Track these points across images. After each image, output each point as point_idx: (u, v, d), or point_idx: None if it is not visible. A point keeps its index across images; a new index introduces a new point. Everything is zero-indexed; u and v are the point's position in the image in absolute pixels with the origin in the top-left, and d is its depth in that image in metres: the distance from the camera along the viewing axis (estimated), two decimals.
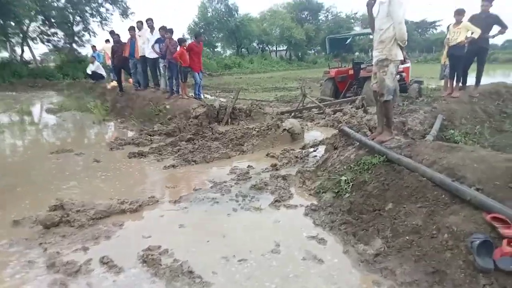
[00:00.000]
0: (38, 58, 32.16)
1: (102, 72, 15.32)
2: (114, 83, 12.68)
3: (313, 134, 7.43)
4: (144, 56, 10.31)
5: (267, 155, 5.73)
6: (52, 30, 27.24)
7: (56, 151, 6.28)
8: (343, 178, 3.83)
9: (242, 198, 4.01)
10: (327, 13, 55.61)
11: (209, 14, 41.49)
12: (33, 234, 3.27)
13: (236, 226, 3.38)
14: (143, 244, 3.02)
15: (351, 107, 8.74)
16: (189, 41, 9.74)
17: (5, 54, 27.53)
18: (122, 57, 10.95)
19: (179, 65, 9.08)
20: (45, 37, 27.01)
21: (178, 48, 9.10)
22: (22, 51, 26.76)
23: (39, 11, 23.58)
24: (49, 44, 27.66)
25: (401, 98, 12.02)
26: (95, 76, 15.59)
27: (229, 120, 8.58)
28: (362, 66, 11.77)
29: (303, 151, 5.62)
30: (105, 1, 27.64)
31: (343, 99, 9.66)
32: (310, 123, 8.47)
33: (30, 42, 28.01)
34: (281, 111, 9.75)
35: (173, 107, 8.95)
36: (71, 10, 26.59)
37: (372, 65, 10.81)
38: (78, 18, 27.27)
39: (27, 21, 24.48)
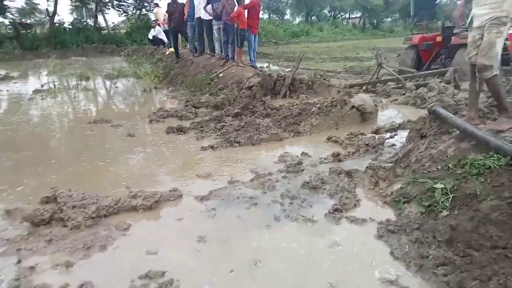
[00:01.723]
0: (111, 25, 33.39)
1: (163, 37, 14.82)
2: (172, 49, 12.08)
3: (389, 113, 6.02)
4: (200, 18, 9.42)
5: (328, 139, 4.56)
6: None
7: (94, 121, 5.74)
8: (439, 185, 2.58)
9: (289, 201, 2.96)
10: None
11: None
12: (19, 233, 2.59)
13: (275, 249, 2.37)
14: (143, 266, 2.17)
15: (440, 81, 7.04)
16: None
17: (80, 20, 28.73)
18: (180, 19, 10.19)
19: (236, 27, 8.04)
20: (116, 2, 27.53)
21: (236, 8, 8.03)
22: (96, 17, 27.67)
23: None
24: (120, 10, 28.18)
25: (502, 73, 9.81)
26: (156, 41, 15.21)
27: (288, 93, 7.46)
28: (454, 31, 9.66)
29: (376, 137, 4.33)
30: None
31: (428, 71, 7.91)
32: (385, 99, 6.99)
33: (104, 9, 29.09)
34: (350, 84, 8.34)
35: (227, 75, 8.01)
36: None
37: (467, 30, 8.81)
38: None
39: None
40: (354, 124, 5.24)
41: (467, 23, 3.45)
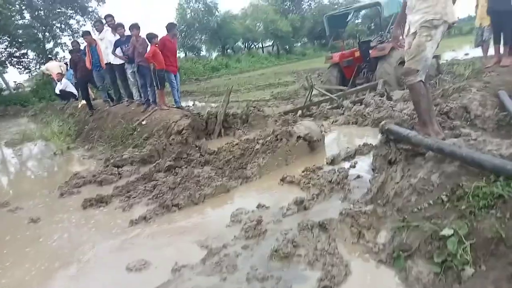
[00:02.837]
0: (13, 84, 30.25)
1: (72, 89, 13.39)
2: (84, 102, 10.80)
3: (335, 137, 5.63)
4: (110, 63, 8.46)
5: (282, 180, 3.91)
6: (22, 51, 25.28)
7: None
8: (447, 231, 2.02)
9: (260, 285, 2.19)
10: (310, 1, 53.81)
11: (188, 16, 39.55)
12: None
13: None
14: None
15: (374, 95, 6.92)
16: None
17: None
18: (86, 69, 9.10)
19: (153, 68, 7.24)
20: (14, 59, 24.99)
21: (149, 47, 7.27)
22: None
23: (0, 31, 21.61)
24: (20, 67, 25.60)
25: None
26: (65, 95, 13.70)
27: (222, 131, 6.77)
28: (371, 44, 9.94)
29: (336, 169, 3.77)
30: (75, 13, 25.68)
31: (360, 87, 7.84)
32: (325, 121, 6.64)
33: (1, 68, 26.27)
34: (284, 111, 7.94)
35: (151, 122, 7.10)
36: (39, 27, 24.55)
37: (382, 41, 9.00)
38: (47, 34, 25.22)
39: None
40: (303, 156, 4.69)
41: (404, 32, 3.15)
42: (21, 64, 25.52)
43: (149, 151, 5.54)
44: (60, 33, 25.78)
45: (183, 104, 14.74)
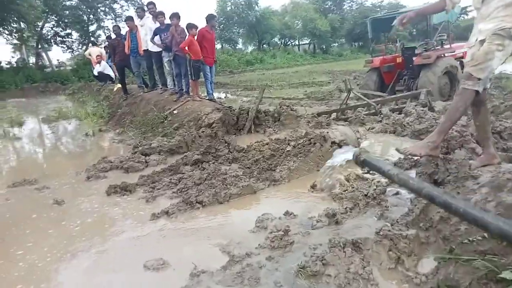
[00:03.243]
0: (56, 62, 31.45)
1: (110, 72, 13.64)
2: (120, 85, 10.95)
3: (371, 146, 5.31)
4: (148, 50, 8.48)
5: (312, 187, 3.69)
6: (67, 31, 26.18)
7: (13, 184, 4.49)
8: (509, 274, 1.75)
9: None
10: (352, 2, 52.52)
11: (228, 8, 39.57)
12: None
13: None
14: None
15: (415, 105, 6.52)
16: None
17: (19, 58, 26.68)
18: (124, 53, 9.19)
19: (188, 58, 7.17)
20: (59, 38, 25.92)
21: (187, 37, 7.20)
22: (37, 55, 25.84)
23: (48, 11, 22.39)
24: (64, 46, 26.54)
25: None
26: (102, 77, 13.99)
27: (253, 127, 6.61)
28: (416, 51, 9.45)
29: (373, 182, 3.51)
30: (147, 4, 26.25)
31: (401, 94, 7.44)
32: (361, 128, 6.32)
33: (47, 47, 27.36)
34: (317, 112, 7.66)
35: (182, 112, 7.04)
36: (84, 9, 25.29)
37: (428, 49, 8.50)
38: (91, 17, 25.94)
39: (38, 23, 23.41)
40: None
41: (470, 40, 2.79)
42: (65, 43, 26.42)
43: (178, 142, 5.46)
44: (104, 17, 26.45)
45: (215, 95, 14.81)
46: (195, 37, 7.29)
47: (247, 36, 43.68)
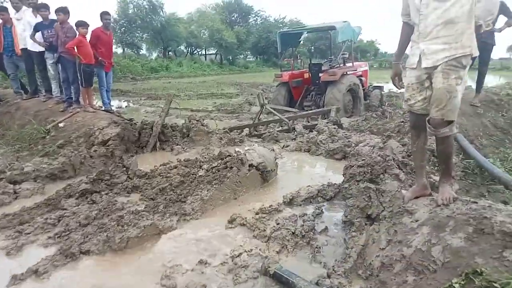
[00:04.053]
0: None
1: None
2: None
3: (288, 166, 5.01)
4: (27, 49, 7.03)
5: (230, 221, 3.14)
6: None
7: None
8: None
9: None
10: (257, 16, 54.34)
11: (130, 11, 37.26)
12: None
13: None
14: None
15: (327, 122, 6.50)
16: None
17: None
18: None
19: (78, 61, 6.06)
20: None
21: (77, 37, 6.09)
22: None
23: None
24: None
25: (364, 107, 10.31)
26: None
27: (158, 145, 5.84)
28: (322, 68, 9.71)
29: (297, 214, 3.10)
30: None
31: (312, 111, 7.41)
32: (275, 146, 6.03)
33: None
34: (229, 127, 7.21)
35: (70, 126, 5.89)
36: None
37: (333, 66, 8.79)
38: None
39: None
40: (254, 187, 3.98)
41: (406, 62, 2.58)
42: None
43: (62, 164, 4.40)
44: None
45: (114, 104, 13.35)
46: (88, 39, 6.25)
47: (152, 42, 41.72)
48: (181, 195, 3.51)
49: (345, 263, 2.29)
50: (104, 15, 6.45)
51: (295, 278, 2.11)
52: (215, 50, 48.20)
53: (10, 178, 4.02)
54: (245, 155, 4.01)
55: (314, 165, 5.10)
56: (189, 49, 47.11)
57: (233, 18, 51.48)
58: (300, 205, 3.37)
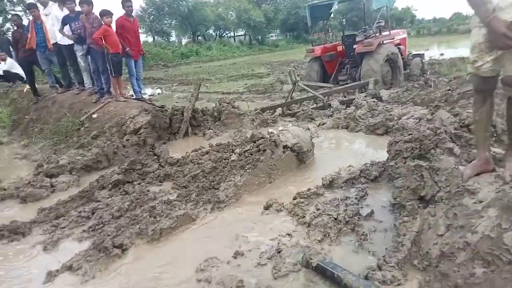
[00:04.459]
0: None
1: (18, 70, 11.65)
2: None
3: (325, 145, 4.72)
4: (58, 43, 7.10)
5: (266, 207, 2.95)
6: None
7: None
8: None
9: None
10: None
11: None
12: None
13: None
14: None
15: (365, 96, 6.08)
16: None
17: None
18: (30, 49, 7.65)
19: (106, 51, 6.01)
20: None
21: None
22: None
23: None
24: None
25: (404, 77, 9.64)
26: (9, 77, 11.96)
27: (190, 130, 5.73)
28: (357, 39, 9.14)
29: (339, 198, 2.84)
30: None
31: (348, 85, 6.98)
32: (310, 124, 5.73)
33: None
34: (261, 108, 6.97)
35: (102, 116, 5.91)
36: None
37: (368, 36, 8.20)
38: None
39: None
40: (289, 170, 3.75)
41: (471, 20, 2.16)
42: None
43: (96, 155, 4.40)
44: (11, 7, 23.19)
45: (148, 92, 13.49)
46: (113, 28, 6.18)
47: (180, 28, 41.85)
48: (213, 181, 3.35)
49: (397, 252, 2.02)
50: (125, 2, 6.32)
51: (341, 272, 1.88)
52: (244, 31, 47.59)
53: (47, 172, 4.05)
54: (279, 136, 3.77)
55: (353, 142, 4.77)
56: (218, 32, 46.79)
57: None
58: (342, 187, 3.10)
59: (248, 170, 3.37)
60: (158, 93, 13.06)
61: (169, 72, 22.34)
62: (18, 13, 18.63)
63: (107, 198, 3.30)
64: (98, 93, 6.63)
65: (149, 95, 12.16)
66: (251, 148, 3.69)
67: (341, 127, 5.34)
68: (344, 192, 2.98)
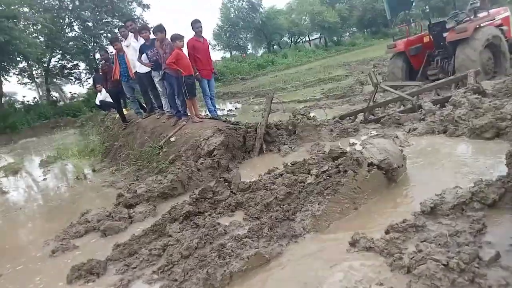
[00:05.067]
0: (69, 95, 31.44)
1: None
2: (126, 111, 10.02)
3: (419, 156, 4.00)
4: (137, 71, 7.49)
5: (352, 244, 2.46)
6: (73, 62, 25.89)
7: None
8: None
9: None
10: None
11: (232, 15, 38.71)
12: None
13: None
14: None
15: (464, 92, 5.13)
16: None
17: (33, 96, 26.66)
18: (116, 80, 8.24)
19: (179, 74, 6.09)
20: (66, 71, 25.69)
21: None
22: (48, 90, 25.73)
23: (51, 45, 22.16)
24: (72, 78, 26.33)
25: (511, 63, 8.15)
26: (104, 106, 13.20)
27: (264, 147, 5.45)
28: (447, 26, 8.00)
29: (446, 233, 2.22)
30: (120, 22, 25.80)
31: (442, 81, 6.03)
32: (399, 131, 4.99)
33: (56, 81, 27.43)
34: (340, 115, 6.41)
35: (180, 139, 5.97)
36: (87, 38, 24.94)
37: (460, 21, 7.03)
38: (95, 45, 25.58)
39: (44, 59, 23.25)
40: (378, 192, 3.18)
41: None
42: (72, 75, 26.19)
43: (171, 182, 4.34)
44: (108, 42, 26.03)
45: (225, 107, 13.72)
46: (185, 50, 6.25)
47: (255, 39, 42.69)
48: (288, 211, 2.96)
49: None
50: (194, 23, 6.37)
51: None
52: (319, 34, 46.65)
53: (125, 202, 4.09)
54: (362, 152, 3.24)
55: (455, 151, 3.97)
56: (292, 38, 46.62)
57: None
58: (448, 215, 2.45)
59: (327, 197, 2.91)
60: (236, 108, 13.18)
61: (247, 84, 22.72)
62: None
63: (178, 232, 3.12)
64: (175, 116, 6.77)
65: (227, 111, 12.33)
66: (330, 168, 3.22)
67: (437, 132, 4.53)
68: (452, 223, 2.33)
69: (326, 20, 40.09)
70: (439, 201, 2.58)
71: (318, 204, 2.89)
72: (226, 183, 3.63)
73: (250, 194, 3.44)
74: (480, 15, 8.15)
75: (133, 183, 5.05)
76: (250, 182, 3.65)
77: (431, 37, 8.54)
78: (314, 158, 3.92)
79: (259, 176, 3.80)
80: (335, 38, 45.96)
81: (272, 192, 3.24)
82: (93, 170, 6.89)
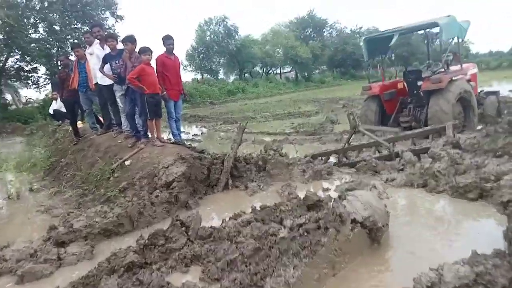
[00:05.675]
0: (24, 99, 29.43)
1: None
2: (81, 124, 9.13)
3: (401, 212, 3.64)
4: (97, 83, 6.80)
5: None
6: (33, 65, 24.27)
7: None
8: None
9: None
10: (331, 29, 52.87)
11: (207, 38, 38.75)
12: None
13: None
14: None
15: (443, 145, 4.94)
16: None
17: None
18: (73, 89, 7.45)
19: (143, 91, 5.51)
20: (24, 74, 23.98)
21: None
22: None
23: (10, 44, 20.68)
24: (29, 81, 24.61)
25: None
26: (59, 115, 12.20)
27: (230, 182, 4.92)
28: (423, 74, 8.05)
29: None
30: (90, 28, 24.78)
31: (419, 130, 5.86)
32: (375, 179, 4.66)
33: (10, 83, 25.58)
34: (312, 154, 6.04)
35: (136, 163, 5.30)
36: (52, 41, 23.58)
37: (435, 71, 7.03)
38: (59, 50, 24.22)
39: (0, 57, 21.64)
40: (359, 254, 2.74)
41: None
42: (30, 79, 24.50)
43: (117, 217, 3.67)
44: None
45: (193, 131, 13.10)
46: (154, 66, 5.73)
47: (228, 65, 42.84)
48: (256, 273, 2.42)
49: None
50: (166, 39, 5.89)
51: None
52: (290, 68, 47.69)
53: (57, 239, 3.36)
54: (345, 206, 2.80)
55: (438, 209, 3.65)
56: (264, 69, 47.31)
57: (307, 33, 50.73)
58: None
59: (304, 259, 2.42)
60: (202, 132, 12.62)
61: (215, 109, 22.30)
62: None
63: (114, 286, 2.47)
64: (135, 137, 6.11)
65: (192, 135, 11.73)
66: (307, 221, 2.75)
67: (417, 185, 4.24)
68: None
69: (299, 55, 41.15)
70: (436, 279, 2.15)
71: (294, 268, 2.37)
72: (183, 228, 3.04)
73: (211, 244, 2.87)
74: (453, 68, 8.33)
75: (73, 212, 4.30)
76: (211, 228, 3.08)
77: (405, 84, 8.58)
78: (287, 204, 3.44)
79: (222, 222, 3.25)
80: (306, 74, 47.16)
81: (238, 246, 2.69)
82: (31, 189, 5.97)
